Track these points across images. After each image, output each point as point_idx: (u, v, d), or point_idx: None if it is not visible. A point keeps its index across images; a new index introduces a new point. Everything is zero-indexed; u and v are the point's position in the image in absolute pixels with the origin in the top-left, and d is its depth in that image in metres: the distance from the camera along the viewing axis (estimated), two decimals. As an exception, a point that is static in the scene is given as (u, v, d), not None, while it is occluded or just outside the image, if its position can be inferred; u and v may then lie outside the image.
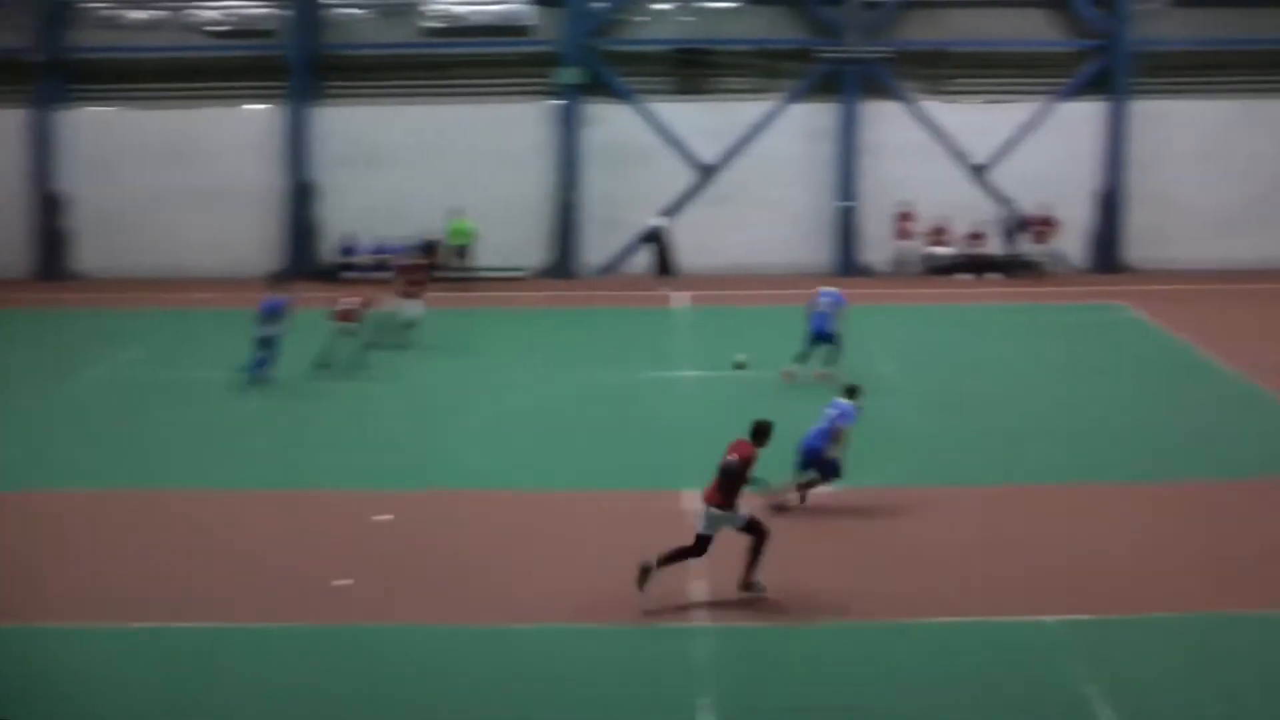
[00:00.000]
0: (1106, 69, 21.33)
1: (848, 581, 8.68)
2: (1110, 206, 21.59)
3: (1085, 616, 7.98)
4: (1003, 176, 21.56)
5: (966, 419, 13.01)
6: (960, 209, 21.39)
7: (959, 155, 21.46)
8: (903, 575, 8.76)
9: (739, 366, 13.76)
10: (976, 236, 21.65)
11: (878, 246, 21.47)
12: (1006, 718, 6.89)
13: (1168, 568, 8.96)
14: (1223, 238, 21.45)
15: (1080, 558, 9.07)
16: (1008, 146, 21.41)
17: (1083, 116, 21.47)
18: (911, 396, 13.75)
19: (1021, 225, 21.40)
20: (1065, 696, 6.96)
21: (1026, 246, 21.30)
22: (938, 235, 21.50)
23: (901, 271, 21.38)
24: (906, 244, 21.42)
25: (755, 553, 8.08)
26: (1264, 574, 8.74)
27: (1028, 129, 21.35)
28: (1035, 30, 21.59)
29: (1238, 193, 21.57)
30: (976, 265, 21.29)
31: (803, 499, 9.92)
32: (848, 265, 21.33)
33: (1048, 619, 7.94)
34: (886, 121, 21.34)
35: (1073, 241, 21.64)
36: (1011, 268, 21.39)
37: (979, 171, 21.59)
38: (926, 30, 21.54)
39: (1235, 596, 8.29)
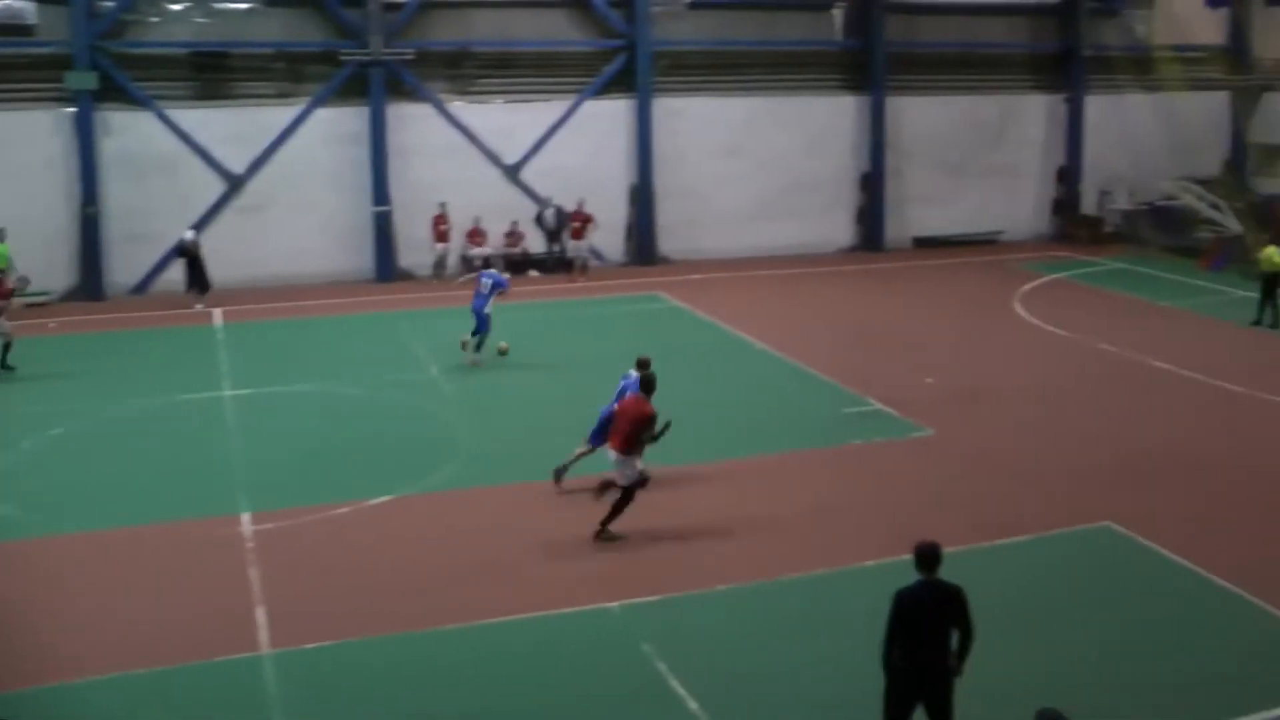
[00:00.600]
0: (629, 68, 28.58)
1: (404, 593, 10.86)
2: (643, 201, 29.32)
3: (650, 598, 10.60)
4: (537, 175, 28.63)
5: (518, 416, 16.67)
6: (496, 209, 28.36)
7: (491, 155, 28.63)
8: (459, 582, 11.12)
9: (502, 353, 18.95)
10: (514, 235, 29.06)
11: (418, 250, 28.09)
12: (584, 707, 8.91)
13: (727, 541, 12.07)
14: (749, 227, 29.46)
15: (641, 541, 11.95)
16: (538, 146, 28.90)
17: (610, 115, 28.55)
18: (462, 398, 17.64)
19: (560, 222, 29.02)
20: (639, 677, 9.23)
21: (566, 243, 28.98)
22: (475, 236, 28.78)
23: (442, 275, 28.44)
24: (444, 246, 28.49)
25: (620, 507, 11.68)
26: (806, 537, 12.15)
27: (557, 128, 28.76)
28: (557, 30, 28.33)
29: (761, 185, 29.62)
30: (516, 264, 28.71)
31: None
32: (389, 271, 27.85)
33: (611, 605, 10.45)
34: (417, 124, 27.55)
35: (610, 236, 29.46)
36: (551, 265, 29.06)
37: (512, 171, 28.96)
38: (449, 31, 27.72)
39: (794, 560, 11.44)
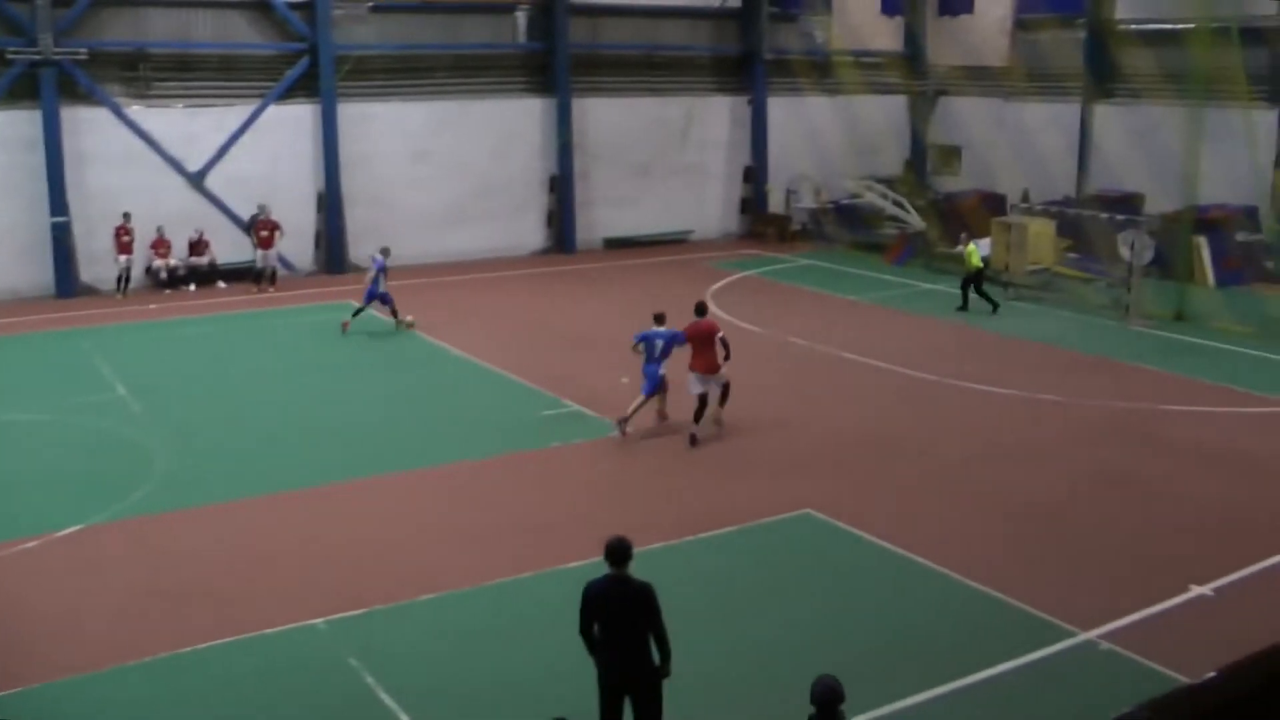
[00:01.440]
0: (312, 72, 40.49)
1: (101, 626, 14.29)
2: (331, 208, 41.50)
3: (354, 612, 14.43)
4: (222, 183, 39.92)
5: (212, 434, 21.96)
6: (181, 218, 39.19)
7: (173, 162, 40.69)
8: (159, 609, 14.59)
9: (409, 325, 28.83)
10: (200, 245, 41.47)
11: (100, 263, 37.72)
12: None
13: (430, 550, 16.52)
14: (439, 232, 42.10)
15: (342, 555, 16.30)
16: (222, 152, 41.64)
17: (295, 120, 40.05)
18: (153, 418, 22.62)
19: (248, 231, 41.78)
20: (348, 692, 12.65)
21: (256, 253, 41.84)
22: (159, 247, 40.60)
23: (126, 289, 37.48)
24: (128, 258, 37.88)
25: (723, 399, 21.75)
26: (512, 542, 16.83)
27: (240, 134, 41.24)
28: (238, 32, 39.39)
29: (450, 190, 42.38)
30: (203, 275, 40.32)
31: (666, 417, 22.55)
32: (69, 286, 36.83)
33: (317, 622, 14.10)
34: (93, 128, 37.31)
35: (299, 245, 42.47)
36: (239, 275, 41.82)
37: (196, 178, 41.51)
38: (124, 30, 37.66)
39: (494, 567, 15.83)
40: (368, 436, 22.60)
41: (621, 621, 10.67)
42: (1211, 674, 2.54)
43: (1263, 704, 2.63)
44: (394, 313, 31.39)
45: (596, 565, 11.64)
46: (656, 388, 22.41)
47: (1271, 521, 18.93)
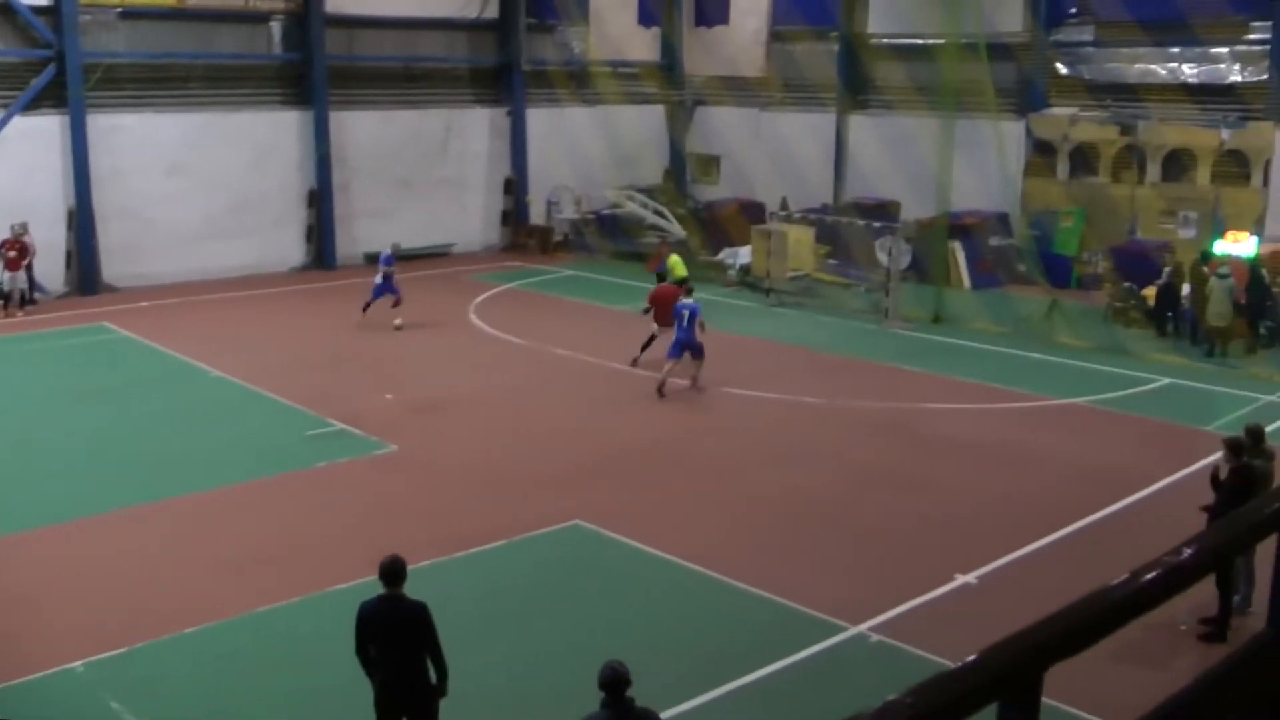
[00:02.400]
0: (59, 81, 39.64)
1: None
2: (82, 226, 40.97)
3: (114, 652, 14.12)
4: None
5: None
6: None
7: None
8: None
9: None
10: (-56, 266, 40.79)
11: None
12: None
13: (193, 581, 16.29)
14: (197, 249, 41.91)
15: (100, 592, 15.89)
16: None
17: (43, 131, 39.37)
18: None
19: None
20: None
21: (3, 275, 40.73)
22: (-111, 266, 39.93)
23: None
24: None
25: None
26: (279, 567, 16.78)
27: (-16, 146, 41.02)
28: None
29: (207, 204, 42.11)
30: None
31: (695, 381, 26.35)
32: None
33: (75, 665, 13.81)
34: None
35: (49, 265, 41.52)
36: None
37: (-64, 195, 40.74)
38: None
39: (261, 594, 15.81)
40: (126, 465, 22.25)
41: (395, 642, 10.93)
42: (972, 657, 3.22)
43: (1018, 681, 3.29)
44: (396, 303, 33.63)
45: (368, 585, 12.10)
46: (681, 352, 26.10)
47: (1031, 510, 19.95)
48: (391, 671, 10.95)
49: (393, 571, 10.95)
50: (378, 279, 33.26)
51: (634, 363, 28.55)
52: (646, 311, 28.51)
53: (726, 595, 16.31)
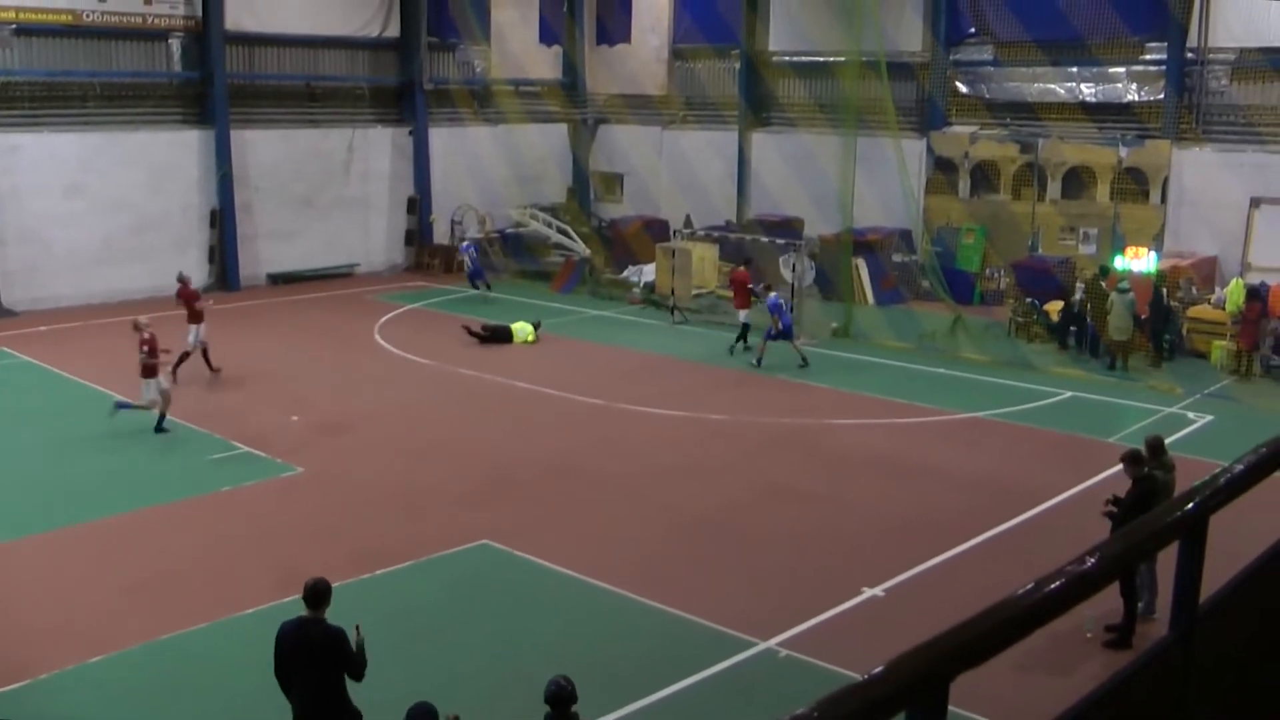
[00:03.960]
0: None
1: None
2: None
3: (19, 684, 14.15)
4: None
5: None
6: None
7: None
8: None
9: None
10: None
11: None
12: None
13: (98, 608, 16.24)
14: (98, 271, 41.40)
15: None
16: None
17: None
18: None
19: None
20: None
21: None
22: None
23: None
24: None
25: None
26: (185, 592, 16.76)
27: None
28: None
29: (106, 226, 41.63)
30: None
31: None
32: None
33: None
34: None
35: (-59, 286, 41.49)
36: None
37: None
38: None
39: (167, 620, 15.78)
40: (25, 492, 22.01)
41: (308, 664, 10.90)
42: (878, 669, 3.32)
43: (925, 690, 3.37)
44: (488, 286, 39.72)
45: (278, 609, 12.52)
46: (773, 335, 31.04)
47: (936, 523, 20.62)
48: (309, 693, 10.94)
49: (315, 593, 10.87)
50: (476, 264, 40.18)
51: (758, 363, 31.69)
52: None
53: (635, 613, 16.44)
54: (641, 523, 19.97)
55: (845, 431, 25.43)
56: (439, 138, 49.69)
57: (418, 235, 49.59)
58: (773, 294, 31.02)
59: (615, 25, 51.57)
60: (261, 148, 45.80)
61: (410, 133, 49.17)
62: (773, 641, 15.50)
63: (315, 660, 10.88)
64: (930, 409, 27.25)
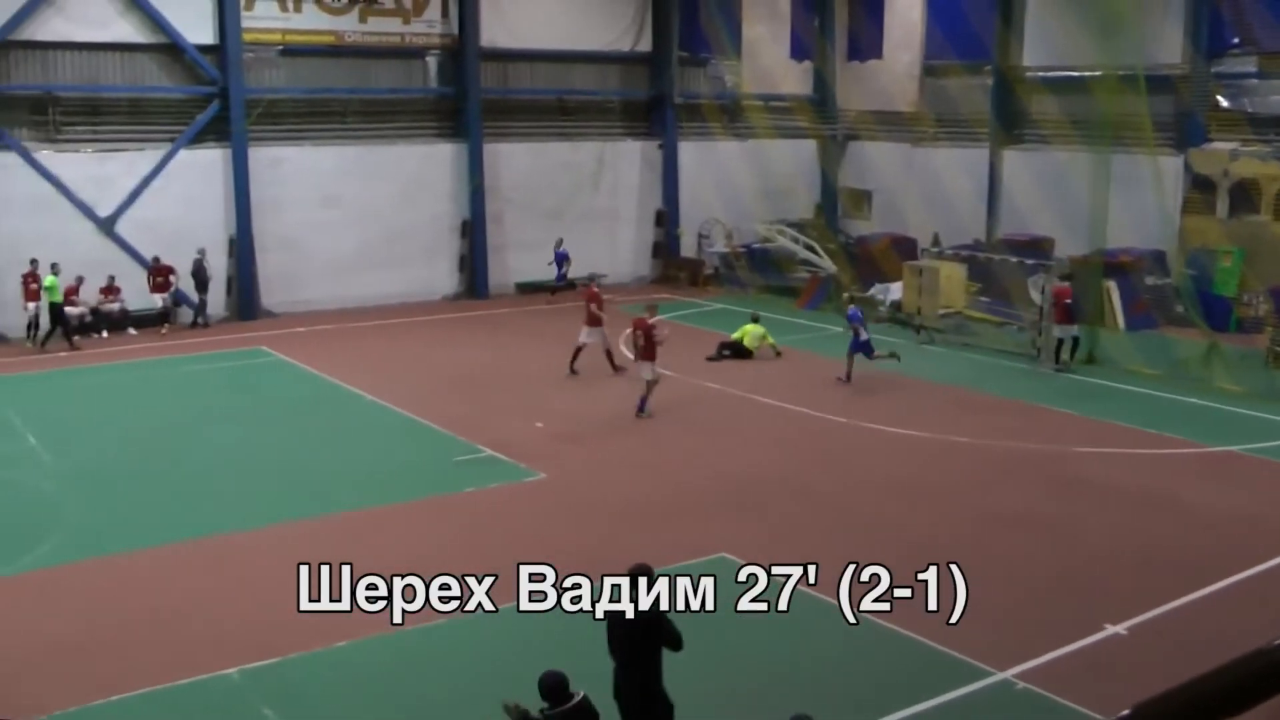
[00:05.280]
0: (223, 116, 40.70)
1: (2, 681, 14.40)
2: (242, 254, 41.81)
3: (267, 661, 14.70)
4: (133, 228, 40.12)
5: (123, 484, 22.38)
6: (93, 264, 39.07)
7: (83, 208, 41.06)
8: (64, 662, 15.00)
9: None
10: (111, 291, 41.73)
11: (9, 311, 37.68)
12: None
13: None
14: (351, 278, 42.58)
15: (255, 602, 16.69)
16: (133, 197, 41.82)
17: (206, 164, 40.36)
18: (63, 468, 23.30)
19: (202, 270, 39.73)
20: None
21: (168, 298, 41.48)
22: (70, 294, 41.04)
23: (36, 336, 36.91)
24: (36, 305, 37.74)
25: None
26: (415, 586, 17.15)
27: (151, 178, 41.54)
28: (148, 76, 39.80)
29: (361, 235, 42.94)
30: (115, 322, 40.13)
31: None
32: None
33: (230, 671, 14.44)
34: (2, 173, 38.02)
35: (211, 290, 42.85)
36: (150, 321, 42.06)
37: (107, 224, 41.63)
38: (32, 74, 38.30)
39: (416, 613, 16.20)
40: (283, 483, 23.01)
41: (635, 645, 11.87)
42: (1125, 712, 2.96)
43: None
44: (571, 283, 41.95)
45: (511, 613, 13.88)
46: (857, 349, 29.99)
47: (1182, 560, 19.74)
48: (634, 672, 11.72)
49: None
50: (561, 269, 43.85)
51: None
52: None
53: (870, 632, 16.24)
54: (877, 542, 19.63)
55: (1091, 460, 24.47)
56: (688, 151, 49.70)
57: (664, 248, 49.52)
58: (852, 306, 30.96)
59: (867, 41, 50.84)
60: (513, 160, 46.59)
61: (660, 146, 49.35)
62: (1009, 672, 15.00)
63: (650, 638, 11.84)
64: (1180, 440, 25.94)
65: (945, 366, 33.47)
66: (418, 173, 44.36)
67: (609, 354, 31.63)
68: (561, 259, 43.97)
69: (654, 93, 48.39)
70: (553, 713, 10.20)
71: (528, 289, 46.19)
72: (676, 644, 11.66)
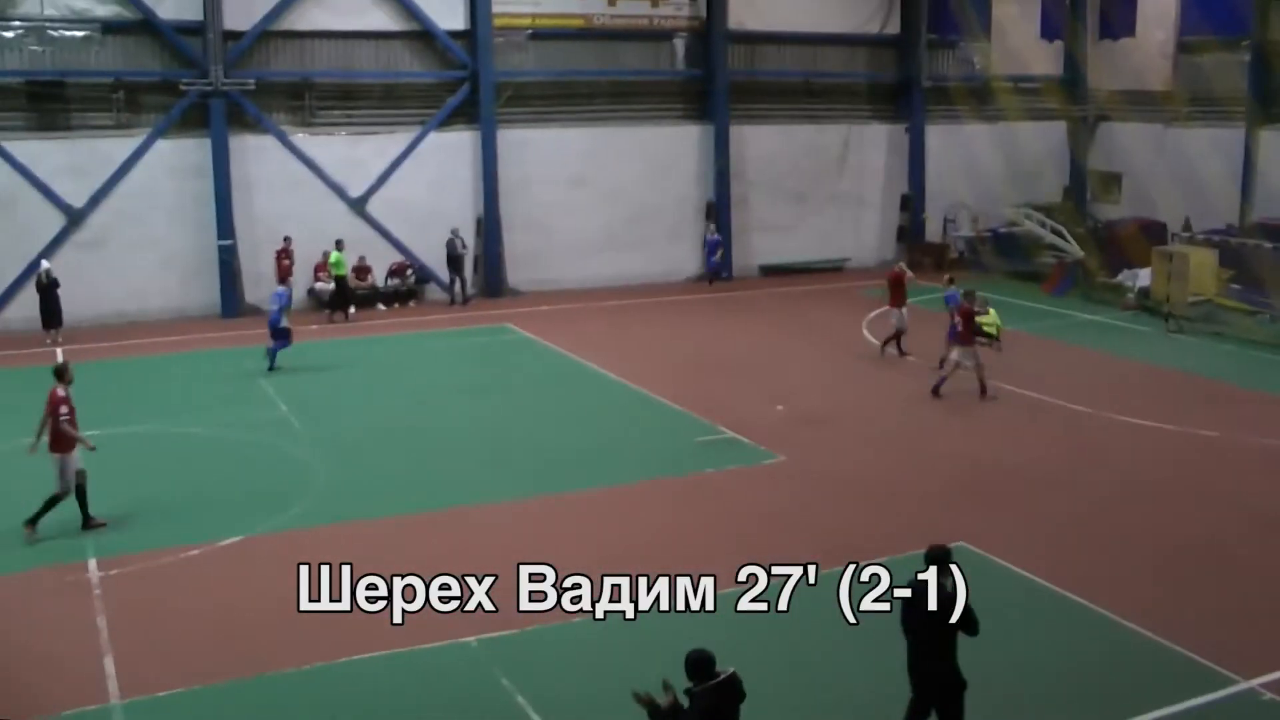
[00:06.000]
0: (472, 99, 41.65)
1: (257, 634, 15.15)
2: (489, 233, 42.73)
3: (506, 632, 14.95)
4: (383, 208, 40.68)
5: (371, 451, 23.12)
6: (345, 242, 42.07)
7: (335, 188, 41.74)
8: (316, 620, 15.55)
9: None
10: (361, 270, 42.77)
11: (264, 285, 39.89)
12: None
13: (583, 571, 16.77)
14: (596, 257, 42.58)
15: (493, 572, 16.74)
16: (383, 178, 42.45)
17: (454, 146, 40.93)
18: (313, 435, 24.02)
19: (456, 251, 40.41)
20: (499, 711, 13.14)
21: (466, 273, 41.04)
22: (320, 271, 42.26)
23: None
24: (290, 281, 41.70)
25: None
26: (669, 565, 16.96)
27: (401, 160, 41.62)
28: (400, 62, 40.63)
29: (607, 215, 42.96)
30: (364, 298, 40.26)
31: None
32: (234, 306, 38.79)
33: (469, 640, 14.65)
34: (259, 155, 38.83)
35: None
36: (398, 297, 43.07)
37: (358, 204, 42.42)
38: (290, 61, 39.43)
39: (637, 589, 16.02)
40: (528, 458, 23.26)
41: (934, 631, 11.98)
42: None
43: None
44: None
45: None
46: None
47: None
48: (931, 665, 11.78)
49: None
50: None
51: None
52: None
53: (1108, 631, 15.55)
54: (1120, 538, 18.76)
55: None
56: (935, 135, 48.85)
57: (909, 232, 48.68)
58: (952, 288, 29.83)
59: (1119, 18, 49.03)
60: (758, 142, 46.30)
61: (907, 130, 48.56)
62: (1255, 682, 14.05)
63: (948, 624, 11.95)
64: None
65: (1195, 357, 32.09)
66: (663, 154, 44.46)
67: (898, 336, 31.33)
68: (714, 246, 44.32)
69: (902, 75, 47.53)
70: (699, 689, 10.00)
71: (771, 271, 45.59)
72: (974, 629, 11.65)
